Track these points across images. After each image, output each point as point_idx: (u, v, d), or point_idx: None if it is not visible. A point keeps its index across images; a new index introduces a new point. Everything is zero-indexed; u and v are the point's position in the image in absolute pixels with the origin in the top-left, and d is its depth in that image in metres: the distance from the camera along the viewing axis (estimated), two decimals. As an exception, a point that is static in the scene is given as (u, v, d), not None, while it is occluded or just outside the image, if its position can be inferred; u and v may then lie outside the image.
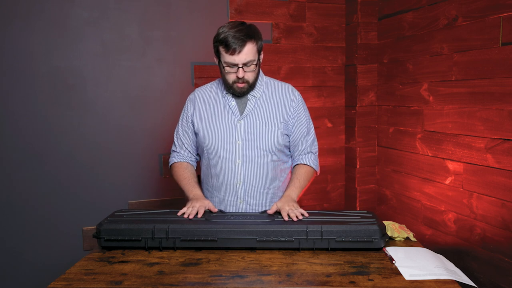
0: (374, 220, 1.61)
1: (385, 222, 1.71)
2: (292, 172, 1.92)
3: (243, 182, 1.82)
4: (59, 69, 2.47)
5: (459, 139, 2.13)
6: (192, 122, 1.89)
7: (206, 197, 1.89)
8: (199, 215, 1.67)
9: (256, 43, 1.73)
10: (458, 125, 2.13)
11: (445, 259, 1.54)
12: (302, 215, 1.65)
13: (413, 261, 1.45)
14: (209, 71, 2.71)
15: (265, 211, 1.75)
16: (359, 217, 1.65)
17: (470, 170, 2.07)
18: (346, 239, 1.53)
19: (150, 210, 1.81)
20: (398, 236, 1.67)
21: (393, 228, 1.69)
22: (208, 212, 1.73)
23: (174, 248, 1.57)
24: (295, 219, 1.62)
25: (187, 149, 1.93)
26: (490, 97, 1.94)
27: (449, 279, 1.33)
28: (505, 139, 1.87)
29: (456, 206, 2.17)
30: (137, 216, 1.68)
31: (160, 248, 1.57)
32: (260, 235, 1.54)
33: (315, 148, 1.94)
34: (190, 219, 1.64)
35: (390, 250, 1.54)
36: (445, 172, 2.23)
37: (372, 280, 1.33)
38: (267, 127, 1.82)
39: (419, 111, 2.43)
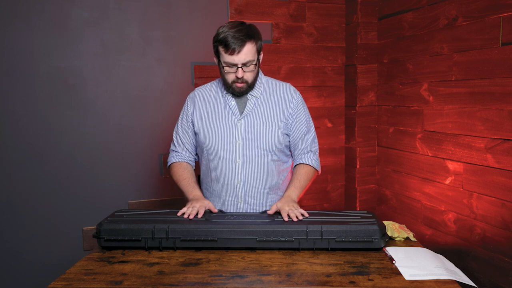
0: (374, 220, 1.61)
1: (385, 222, 1.71)
2: (292, 172, 1.92)
3: (242, 181, 1.82)
4: (59, 69, 2.47)
5: (459, 139, 2.13)
6: (192, 122, 1.89)
7: (205, 197, 1.89)
8: (199, 215, 1.67)
9: (256, 43, 1.73)
10: (458, 125, 2.13)
11: (445, 259, 1.54)
12: (302, 215, 1.65)
13: (413, 261, 1.45)
14: (209, 71, 2.71)
15: (265, 212, 1.75)
16: (359, 217, 1.65)
17: (470, 170, 2.07)
18: (346, 239, 1.53)
19: (150, 210, 1.81)
20: (398, 236, 1.67)
21: (393, 228, 1.69)
22: (208, 212, 1.73)
23: (174, 248, 1.57)
24: (295, 219, 1.62)
25: (186, 148, 1.93)
26: (490, 97, 1.94)
27: (449, 279, 1.33)
28: (505, 139, 1.87)
29: (456, 206, 2.17)
30: (137, 216, 1.68)
31: (160, 248, 1.57)
32: (260, 235, 1.54)
33: (316, 147, 1.94)
34: (190, 219, 1.64)
35: (390, 250, 1.54)
36: (445, 172, 2.23)
37: (372, 280, 1.33)
38: (267, 127, 1.82)
39: (419, 111, 2.43)
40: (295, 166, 1.92)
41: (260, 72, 1.89)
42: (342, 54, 2.96)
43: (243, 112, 1.84)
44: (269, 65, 2.80)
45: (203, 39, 2.61)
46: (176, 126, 1.96)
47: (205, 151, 1.87)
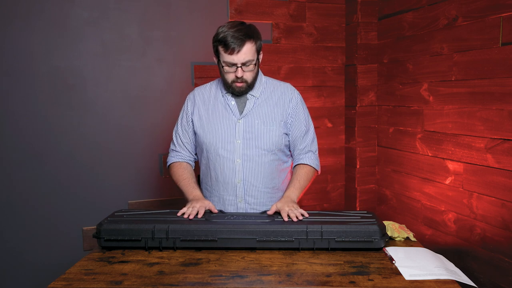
0: (374, 220, 1.61)
1: (385, 222, 1.71)
2: (292, 172, 1.92)
3: (242, 181, 1.83)
4: (59, 69, 2.47)
5: (459, 139, 2.13)
6: (192, 121, 1.89)
7: (205, 196, 1.89)
8: (199, 215, 1.67)
9: (255, 43, 1.74)
10: (458, 125, 2.13)
11: (445, 259, 1.54)
12: (302, 215, 1.65)
13: (413, 261, 1.45)
14: (209, 71, 2.71)
15: (265, 212, 1.75)
16: (359, 217, 1.65)
17: (470, 170, 2.07)
18: (346, 239, 1.53)
19: (150, 210, 1.81)
20: (398, 236, 1.67)
21: (393, 228, 1.69)
22: (208, 212, 1.73)
23: (174, 248, 1.57)
24: (295, 219, 1.62)
25: (186, 148, 1.93)
26: (490, 97, 1.94)
27: (449, 279, 1.33)
28: (505, 139, 1.87)
29: (456, 206, 2.17)
30: (137, 216, 1.68)
31: (160, 248, 1.57)
32: (260, 235, 1.54)
33: (315, 147, 1.95)
34: (190, 219, 1.64)
35: (390, 250, 1.54)
36: (445, 172, 2.23)
37: (372, 280, 1.33)
38: (267, 126, 1.83)
39: (419, 111, 2.43)
40: (295, 166, 1.92)
41: (260, 72, 1.89)
42: (342, 54, 2.96)
43: (242, 111, 1.84)
44: (269, 65, 2.80)
45: (203, 39, 2.61)
46: (176, 126, 1.96)
47: (204, 150, 1.87)
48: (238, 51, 1.69)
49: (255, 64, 1.77)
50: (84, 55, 2.51)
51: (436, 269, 1.39)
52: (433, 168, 2.32)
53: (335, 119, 2.99)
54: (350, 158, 2.95)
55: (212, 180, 1.87)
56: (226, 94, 1.86)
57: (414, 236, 1.87)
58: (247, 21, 1.81)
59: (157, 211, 1.76)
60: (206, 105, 1.89)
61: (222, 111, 1.85)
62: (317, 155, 1.95)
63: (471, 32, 2.04)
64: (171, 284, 1.31)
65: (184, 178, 1.87)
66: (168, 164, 1.97)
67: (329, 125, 2.98)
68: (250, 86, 1.81)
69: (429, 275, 1.35)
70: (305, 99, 2.04)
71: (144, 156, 2.66)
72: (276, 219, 1.65)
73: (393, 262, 1.45)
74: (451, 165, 2.19)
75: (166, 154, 2.64)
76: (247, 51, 1.71)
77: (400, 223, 2.19)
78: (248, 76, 1.77)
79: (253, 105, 1.84)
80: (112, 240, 1.57)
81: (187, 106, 1.93)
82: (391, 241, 1.66)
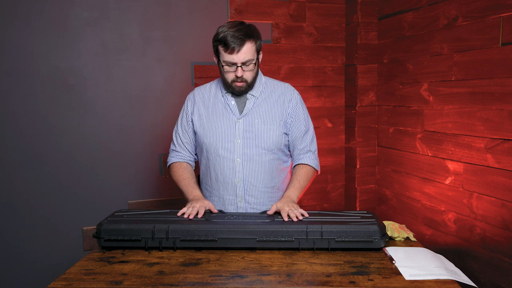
0: (374, 220, 1.61)
1: (385, 222, 1.71)
2: (292, 172, 1.92)
3: (242, 180, 1.83)
4: (59, 69, 2.47)
5: (459, 139, 2.13)
6: (192, 121, 1.89)
7: (205, 196, 1.89)
8: (199, 215, 1.67)
9: (255, 43, 1.74)
10: (458, 125, 2.13)
11: (445, 259, 1.54)
12: (302, 215, 1.65)
13: (413, 261, 1.45)
14: (209, 71, 2.71)
15: (265, 212, 1.75)
16: (359, 217, 1.65)
17: (470, 170, 2.07)
18: (346, 239, 1.53)
19: (150, 210, 1.81)
20: (398, 236, 1.67)
21: (393, 228, 1.69)
22: (208, 212, 1.73)
23: (174, 248, 1.57)
24: (295, 219, 1.62)
25: (186, 148, 1.93)
26: (490, 97, 1.94)
27: (449, 279, 1.33)
28: (505, 139, 1.87)
29: (456, 206, 2.17)
30: (137, 216, 1.68)
31: (160, 248, 1.57)
32: (260, 235, 1.54)
33: (314, 147, 1.95)
34: (190, 219, 1.64)
35: (390, 250, 1.54)
36: (445, 172, 2.23)
37: (372, 280, 1.33)
38: (266, 126, 1.83)
39: (419, 111, 2.43)
40: (295, 166, 1.92)
41: (260, 72, 1.90)
42: (342, 54, 2.96)
43: (242, 111, 1.84)
44: (269, 65, 2.80)
45: (203, 39, 2.61)
46: (176, 126, 1.96)
47: (204, 150, 1.87)
48: (238, 51, 1.70)
49: (255, 64, 1.77)
50: (84, 55, 2.51)
51: (436, 269, 1.39)
52: (433, 168, 2.32)
53: (335, 119, 2.99)
54: (350, 158, 2.95)
55: (212, 180, 1.88)
56: (226, 94, 1.86)
57: (414, 236, 1.87)
58: (247, 21, 1.81)
59: (157, 211, 1.76)
60: (206, 105, 1.89)
61: (222, 111, 1.85)
62: (317, 155, 1.95)
63: (471, 32, 2.04)
64: (171, 284, 1.31)
65: (184, 178, 1.87)
66: (168, 164, 1.97)
67: (329, 125, 2.98)
68: (250, 85, 1.81)
69: (429, 275, 1.35)
70: (305, 99, 2.04)
71: (144, 156, 2.66)
72: (276, 219, 1.65)
73: (393, 262, 1.45)
74: (451, 165, 2.19)
75: (166, 154, 2.64)
76: (247, 51, 1.71)
77: (400, 223, 2.19)
78: (248, 76, 1.78)
79: (253, 105, 1.85)
80: (112, 240, 1.57)
81: (187, 106, 1.93)
82: (391, 241, 1.66)
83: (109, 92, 2.57)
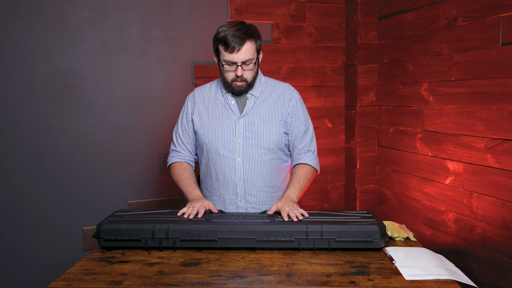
0: (374, 220, 1.61)
1: (385, 222, 1.71)
2: (292, 172, 1.92)
3: (243, 180, 1.83)
4: (59, 69, 2.47)
5: (459, 139, 2.13)
6: (192, 121, 1.90)
7: (205, 196, 1.89)
8: (199, 215, 1.67)
9: (255, 42, 1.74)
10: (458, 125, 2.13)
11: (445, 259, 1.54)
12: (302, 215, 1.65)
13: (413, 261, 1.45)
14: (209, 71, 2.71)
15: (265, 212, 1.75)
16: (359, 217, 1.65)
17: (470, 170, 2.07)
18: (346, 239, 1.53)
19: (150, 210, 1.81)
20: (398, 236, 1.67)
21: (393, 228, 1.69)
22: (208, 212, 1.73)
23: (174, 248, 1.57)
24: (295, 219, 1.62)
25: (187, 148, 1.93)
26: (490, 97, 1.94)
27: (449, 279, 1.33)
28: (505, 139, 1.87)
29: (456, 206, 2.17)
30: (137, 216, 1.68)
31: (160, 248, 1.57)
32: (260, 235, 1.54)
33: (314, 147, 1.95)
34: (190, 219, 1.64)
35: (390, 250, 1.54)
36: (445, 172, 2.23)
37: (372, 280, 1.33)
38: (267, 125, 1.83)
39: (419, 111, 2.43)
40: (294, 166, 1.92)
41: (260, 72, 1.90)
42: (342, 54, 2.96)
43: (242, 111, 1.84)
44: (269, 65, 2.80)
45: (203, 39, 2.61)
46: (176, 126, 1.96)
47: (205, 150, 1.87)
48: (238, 50, 1.70)
49: (255, 63, 1.77)
50: (84, 55, 2.51)
51: (436, 269, 1.39)
52: (433, 168, 2.32)
53: (335, 119, 2.99)
54: (350, 158, 2.95)
55: (213, 179, 1.88)
56: (226, 94, 1.86)
57: (414, 236, 1.87)
58: (247, 21, 1.81)
59: (157, 211, 1.76)
60: (206, 105, 1.89)
61: (222, 111, 1.86)
62: (316, 154, 1.96)
63: (471, 32, 2.04)
64: (171, 284, 1.31)
65: (184, 178, 1.87)
66: (168, 164, 1.97)
67: (329, 125, 2.98)
68: (250, 85, 1.82)
69: (429, 275, 1.35)
70: (305, 99, 2.05)
71: (144, 156, 2.66)
72: (276, 219, 1.65)
73: (393, 262, 1.45)
74: (451, 165, 2.19)
75: (166, 154, 2.64)
76: (247, 50, 1.71)
77: (400, 223, 2.19)
78: (248, 75, 1.78)
79: (253, 105, 1.85)
80: (112, 240, 1.57)
81: (187, 106, 1.93)
82: (391, 241, 1.66)
83: (109, 92, 2.57)
